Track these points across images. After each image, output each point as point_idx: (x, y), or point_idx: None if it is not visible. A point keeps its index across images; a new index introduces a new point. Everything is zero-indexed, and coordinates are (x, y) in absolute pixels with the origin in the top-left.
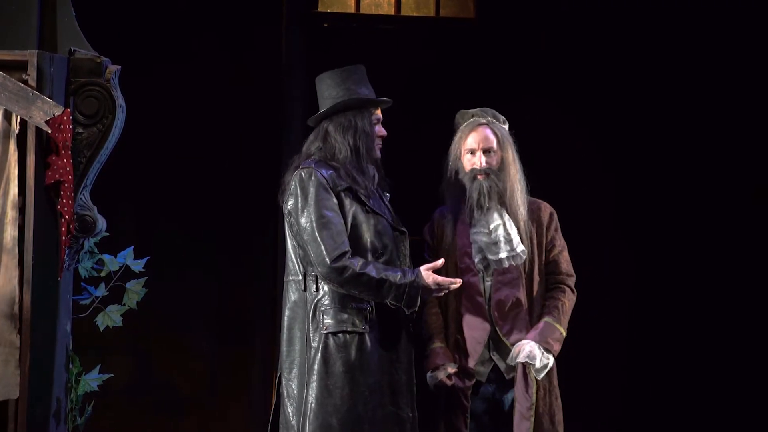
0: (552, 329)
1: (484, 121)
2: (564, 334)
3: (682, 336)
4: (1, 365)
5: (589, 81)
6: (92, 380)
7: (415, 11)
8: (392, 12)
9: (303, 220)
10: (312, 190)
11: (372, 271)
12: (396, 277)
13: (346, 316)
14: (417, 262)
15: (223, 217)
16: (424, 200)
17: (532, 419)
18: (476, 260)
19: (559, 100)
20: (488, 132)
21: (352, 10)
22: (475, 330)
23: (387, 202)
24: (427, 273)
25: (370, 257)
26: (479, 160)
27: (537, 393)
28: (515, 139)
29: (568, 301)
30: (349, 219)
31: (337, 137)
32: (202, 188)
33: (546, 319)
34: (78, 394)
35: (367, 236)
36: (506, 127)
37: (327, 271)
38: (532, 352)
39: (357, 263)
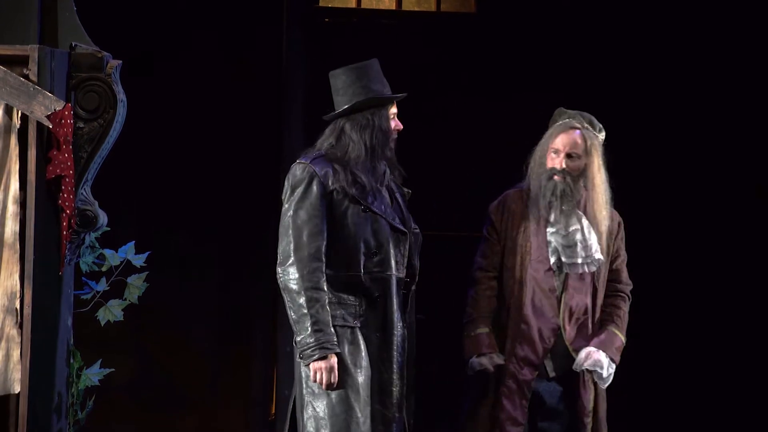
0: (616, 339)
1: (577, 125)
2: (624, 342)
3: (684, 332)
4: (2, 360)
5: (591, 75)
6: (93, 375)
7: (416, 6)
8: (393, 7)
9: (283, 211)
10: (301, 186)
11: (311, 303)
12: (315, 329)
13: (338, 312)
14: (439, 256)
15: (224, 213)
16: (423, 194)
17: (590, 425)
18: (552, 260)
19: (560, 95)
20: (577, 136)
21: (353, 5)
22: (544, 324)
23: (401, 200)
24: (334, 361)
25: (362, 256)
26: (560, 162)
27: (595, 399)
28: (609, 148)
29: (626, 310)
30: (340, 218)
31: (354, 136)
32: (203, 185)
33: (610, 328)
34: (79, 388)
35: (360, 235)
36: (602, 135)
37: (283, 268)
38: (600, 361)
39: (309, 283)
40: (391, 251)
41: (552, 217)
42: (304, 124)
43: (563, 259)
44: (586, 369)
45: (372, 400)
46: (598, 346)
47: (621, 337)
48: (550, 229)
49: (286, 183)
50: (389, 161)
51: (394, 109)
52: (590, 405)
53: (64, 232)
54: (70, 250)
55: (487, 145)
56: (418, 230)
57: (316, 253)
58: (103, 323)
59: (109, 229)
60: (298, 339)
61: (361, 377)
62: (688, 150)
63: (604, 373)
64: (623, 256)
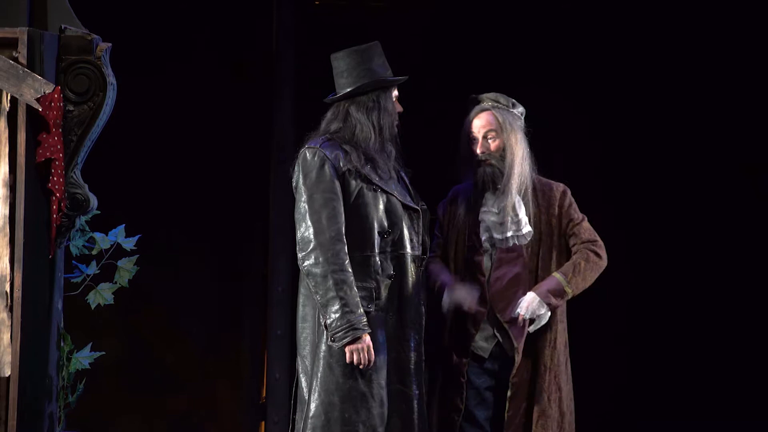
0: (554, 283)
1: (487, 106)
2: (568, 290)
3: (679, 322)
4: None
5: (586, 68)
6: (84, 358)
7: None
8: None
9: (297, 198)
10: (313, 171)
11: (339, 285)
12: (345, 310)
13: None
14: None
15: (215, 195)
16: (422, 176)
17: (509, 390)
18: (483, 239)
19: (556, 87)
20: (490, 117)
21: None
22: (475, 306)
23: (407, 179)
24: (368, 340)
25: (376, 236)
26: (479, 147)
27: (540, 368)
28: (528, 122)
29: (585, 261)
30: (353, 199)
31: (361, 118)
32: (193, 168)
33: (554, 273)
34: (69, 372)
35: (374, 215)
36: (517, 110)
37: (305, 254)
38: (529, 303)
39: (334, 266)
40: (405, 230)
41: (484, 198)
42: (296, 109)
43: (495, 235)
44: (518, 312)
45: (390, 380)
46: (532, 290)
47: (561, 282)
48: (482, 209)
49: (296, 169)
50: (394, 141)
51: (396, 92)
52: (515, 367)
53: (54, 216)
54: (60, 234)
55: None
56: (425, 207)
57: (337, 235)
58: (93, 306)
59: (99, 212)
60: (328, 322)
61: (375, 362)
62: (690, 143)
63: (527, 315)
64: (576, 218)
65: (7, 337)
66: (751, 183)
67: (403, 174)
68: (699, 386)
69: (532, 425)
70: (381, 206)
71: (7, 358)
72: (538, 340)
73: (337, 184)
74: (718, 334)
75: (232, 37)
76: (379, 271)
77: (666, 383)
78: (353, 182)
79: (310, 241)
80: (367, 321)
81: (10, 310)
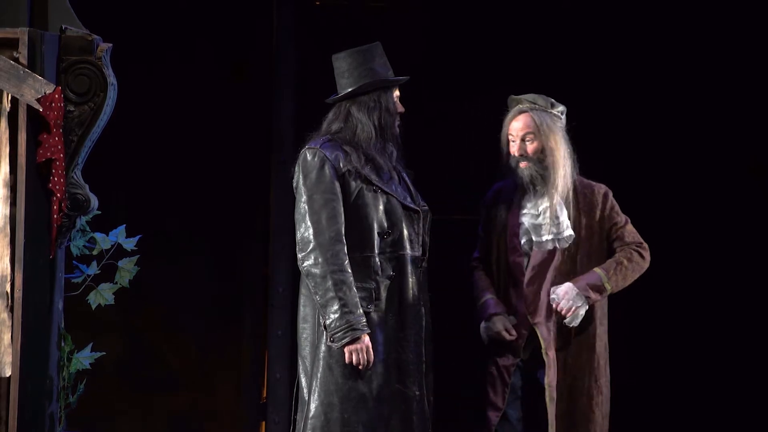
0: (594, 277)
1: (524, 108)
2: (607, 286)
3: (679, 327)
4: None
5: (589, 69)
6: (84, 358)
7: None
8: None
9: (297, 198)
10: (313, 172)
11: (338, 286)
12: (344, 311)
13: None
14: (447, 239)
15: (215, 194)
16: (427, 176)
17: (546, 391)
18: (522, 241)
19: (558, 88)
20: (527, 120)
21: None
22: (518, 309)
23: (408, 180)
24: (367, 341)
25: (376, 237)
26: (517, 148)
27: (581, 371)
28: (569, 122)
29: (628, 261)
30: (353, 199)
31: (362, 118)
32: (193, 167)
33: (594, 269)
34: (70, 372)
35: (374, 215)
36: (557, 110)
37: (304, 254)
38: (566, 292)
39: (333, 266)
40: (405, 230)
41: (525, 199)
42: (295, 106)
43: (534, 238)
44: (557, 301)
45: (390, 380)
46: (571, 281)
47: (601, 277)
48: (522, 211)
49: (296, 170)
50: (395, 141)
51: (397, 92)
52: (553, 371)
53: (55, 216)
54: (61, 234)
55: (494, 126)
56: (426, 207)
57: (336, 236)
58: (93, 307)
59: (99, 212)
60: (328, 322)
61: (374, 362)
62: (690, 143)
63: (563, 304)
64: (620, 221)
65: (7, 337)
66: (758, 184)
67: (404, 175)
68: (699, 388)
69: (572, 427)
70: (381, 207)
71: (8, 358)
72: (577, 341)
73: (337, 184)
74: (722, 334)
75: (232, 37)
76: (379, 271)
77: (667, 384)
78: (353, 183)
79: (310, 242)
80: (367, 321)
81: (11, 310)
